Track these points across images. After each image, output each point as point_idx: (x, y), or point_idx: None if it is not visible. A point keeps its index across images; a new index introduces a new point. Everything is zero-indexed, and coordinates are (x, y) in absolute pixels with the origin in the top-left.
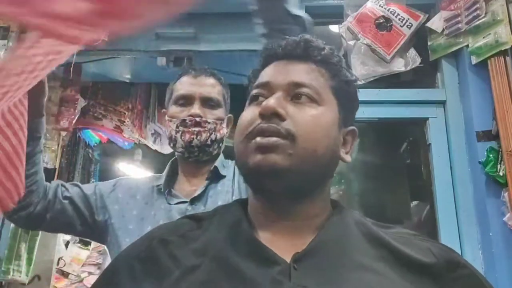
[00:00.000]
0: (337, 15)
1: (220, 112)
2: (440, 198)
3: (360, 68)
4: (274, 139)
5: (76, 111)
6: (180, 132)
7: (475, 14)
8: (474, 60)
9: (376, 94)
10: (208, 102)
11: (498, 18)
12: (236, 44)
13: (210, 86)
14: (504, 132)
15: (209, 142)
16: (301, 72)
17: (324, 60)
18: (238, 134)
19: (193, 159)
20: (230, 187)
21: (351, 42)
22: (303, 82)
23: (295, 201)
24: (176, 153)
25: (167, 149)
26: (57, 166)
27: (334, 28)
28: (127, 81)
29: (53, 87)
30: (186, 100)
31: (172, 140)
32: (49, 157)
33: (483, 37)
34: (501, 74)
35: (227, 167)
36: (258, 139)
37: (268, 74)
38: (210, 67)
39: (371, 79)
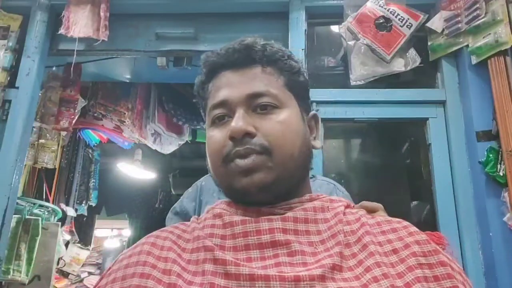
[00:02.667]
0: (337, 15)
1: None
2: (440, 198)
3: (360, 68)
4: (252, 158)
5: (76, 111)
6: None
7: (475, 14)
8: (474, 60)
9: (376, 94)
10: None
11: (498, 18)
12: None
13: None
14: (504, 132)
15: None
16: (254, 81)
17: (270, 60)
18: (214, 158)
19: None
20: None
21: (351, 42)
22: (261, 91)
23: (278, 201)
24: None
25: (167, 149)
26: (57, 166)
27: (334, 28)
28: (127, 81)
29: (53, 87)
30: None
31: None
32: (49, 157)
33: (483, 37)
34: (501, 74)
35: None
36: (238, 161)
37: (221, 91)
38: None
39: (371, 79)
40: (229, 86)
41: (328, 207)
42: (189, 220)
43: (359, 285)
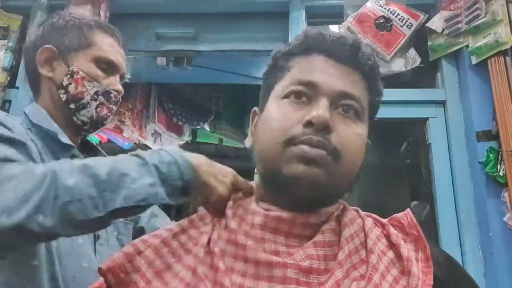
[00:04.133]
0: (337, 15)
1: (121, 88)
2: (440, 198)
3: None
4: (321, 152)
5: None
6: (98, 103)
7: (475, 14)
8: (474, 60)
9: None
10: (121, 79)
11: (498, 18)
12: (236, 44)
13: (125, 60)
14: (504, 132)
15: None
16: (351, 81)
17: (369, 71)
18: (273, 136)
19: (88, 133)
20: None
21: None
22: (354, 94)
23: (315, 207)
24: (69, 116)
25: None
26: None
27: (334, 28)
28: (127, 81)
29: None
30: (110, 68)
31: (79, 103)
32: None
33: (483, 37)
34: (501, 74)
35: None
36: (305, 147)
37: (314, 71)
38: (209, 67)
39: None
40: (324, 73)
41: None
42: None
43: None
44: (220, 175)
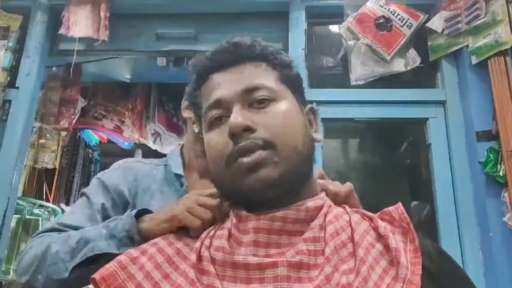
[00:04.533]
0: (337, 15)
1: None
2: (440, 198)
3: (360, 68)
4: (257, 153)
5: (76, 111)
6: None
7: (475, 14)
8: (474, 60)
9: (376, 94)
10: None
11: (498, 18)
12: None
13: None
14: (504, 132)
15: None
16: (247, 76)
17: (259, 56)
18: (216, 161)
19: None
20: None
21: (351, 42)
22: (255, 85)
23: (287, 199)
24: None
25: (167, 149)
26: (57, 166)
27: (334, 28)
28: (127, 81)
29: (53, 87)
30: None
31: None
32: (49, 157)
33: (483, 37)
34: (501, 74)
35: None
36: (242, 159)
37: (214, 91)
38: None
39: (371, 79)
40: (222, 86)
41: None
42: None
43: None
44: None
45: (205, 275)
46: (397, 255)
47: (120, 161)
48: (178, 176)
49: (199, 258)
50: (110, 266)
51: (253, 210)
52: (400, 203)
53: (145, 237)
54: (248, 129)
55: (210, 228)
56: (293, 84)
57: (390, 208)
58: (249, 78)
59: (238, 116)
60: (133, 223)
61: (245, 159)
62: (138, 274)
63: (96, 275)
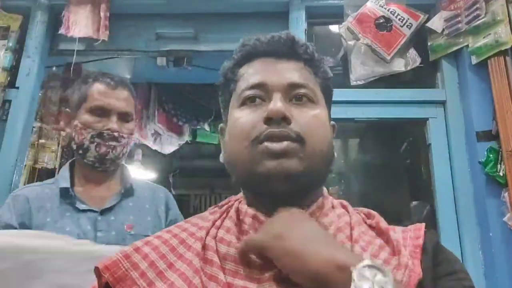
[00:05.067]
0: (337, 15)
1: (132, 125)
2: (440, 198)
3: (360, 68)
4: (286, 143)
5: None
6: (95, 144)
7: (475, 14)
8: (474, 60)
9: (376, 94)
10: (124, 117)
11: (498, 18)
12: (236, 44)
13: (125, 100)
14: (504, 132)
15: (121, 155)
16: (295, 72)
17: (310, 58)
18: (240, 139)
19: (102, 169)
20: (145, 207)
21: (351, 42)
22: (301, 82)
23: (299, 199)
24: (82, 160)
25: (167, 149)
26: (57, 166)
27: (334, 28)
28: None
29: (53, 87)
30: (102, 112)
31: (83, 148)
32: (49, 157)
33: (483, 37)
34: (501, 74)
35: (140, 187)
36: (268, 144)
37: (259, 73)
38: (209, 67)
39: (371, 79)
40: (269, 72)
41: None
42: None
43: None
44: None
45: (209, 264)
46: (398, 245)
47: (11, 193)
48: (66, 190)
49: (204, 246)
50: (114, 256)
51: (263, 203)
52: (424, 224)
53: None
54: (285, 119)
55: (216, 218)
56: (328, 97)
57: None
58: (296, 74)
59: (278, 103)
60: None
61: (273, 145)
62: (142, 263)
63: (100, 264)
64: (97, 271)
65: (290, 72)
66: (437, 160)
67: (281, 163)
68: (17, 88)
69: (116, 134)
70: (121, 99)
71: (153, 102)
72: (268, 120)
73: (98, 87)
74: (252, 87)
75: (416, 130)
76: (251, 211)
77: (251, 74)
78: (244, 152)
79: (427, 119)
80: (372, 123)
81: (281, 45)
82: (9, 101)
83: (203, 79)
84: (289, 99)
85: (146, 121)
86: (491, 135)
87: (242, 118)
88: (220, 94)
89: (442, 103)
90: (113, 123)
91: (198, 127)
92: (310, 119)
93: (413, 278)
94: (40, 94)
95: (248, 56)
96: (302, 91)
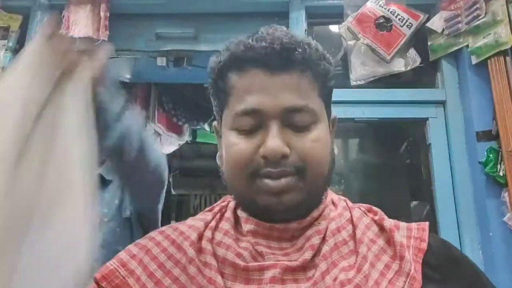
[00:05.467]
0: (337, 15)
1: None
2: (440, 198)
3: (360, 68)
4: (284, 180)
5: None
6: None
7: (475, 14)
8: (474, 60)
9: (376, 94)
10: None
11: (498, 18)
12: None
13: None
14: (504, 132)
15: None
16: (292, 90)
17: (309, 64)
18: (237, 171)
19: None
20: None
21: (351, 42)
22: (299, 106)
23: (301, 216)
24: None
25: (167, 149)
26: None
27: (334, 28)
28: (127, 81)
29: None
30: None
31: None
32: None
33: (483, 37)
34: (501, 74)
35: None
36: (268, 181)
37: (253, 95)
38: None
39: (371, 79)
40: (263, 92)
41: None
42: None
43: None
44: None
45: (207, 267)
46: (402, 250)
47: None
48: None
49: (199, 250)
50: (110, 264)
51: (263, 220)
52: (427, 223)
53: None
54: (283, 156)
55: (208, 219)
56: (329, 97)
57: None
58: (293, 93)
59: (277, 141)
60: None
61: (272, 183)
62: (137, 269)
63: (97, 274)
64: (95, 281)
65: (287, 91)
66: (437, 160)
67: (280, 199)
68: None
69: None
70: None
71: (153, 102)
72: (266, 158)
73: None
74: (246, 113)
75: (416, 130)
76: (251, 220)
77: (244, 92)
78: (243, 185)
79: (427, 119)
80: (372, 123)
81: (276, 56)
82: None
83: (203, 79)
84: (286, 124)
85: (146, 121)
86: (491, 135)
87: (237, 146)
88: (211, 94)
89: (442, 103)
90: None
91: (198, 127)
92: (310, 145)
93: (415, 287)
94: None
95: (240, 63)
96: (300, 116)
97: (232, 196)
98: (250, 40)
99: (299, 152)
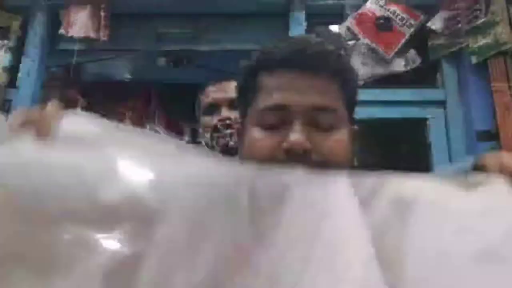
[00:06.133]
0: (337, 15)
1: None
2: None
3: (360, 68)
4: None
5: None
6: (215, 140)
7: (475, 14)
8: (474, 60)
9: (376, 94)
10: (234, 104)
11: (498, 18)
12: (236, 44)
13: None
14: (504, 132)
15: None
16: (320, 91)
17: (337, 68)
18: (257, 159)
19: None
20: None
21: (351, 42)
22: (326, 105)
23: None
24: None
25: None
26: None
27: (334, 28)
28: (127, 81)
29: (53, 87)
30: (213, 107)
31: (210, 149)
32: None
33: (483, 37)
34: (501, 74)
35: None
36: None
37: (281, 91)
38: (209, 67)
39: (371, 79)
40: (290, 90)
41: None
42: None
43: None
44: None
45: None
46: None
47: None
48: None
49: None
50: None
51: None
52: None
53: None
54: (305, 151)
55: None
56: (353, 106)
57: None
58: (321, 94)
59: (300, 136)
60: None
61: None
62: None
63: None
64: None
65: (313, 89)
66: (437, 160)
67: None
68: (17, 88)
69: (228, 121)
70: (225, 88)
71: (153, 102)
72: (288, 152)
73: (206, 89)
74: (272, 108)
75: (416, 130)
76: None
77: (272, 89)
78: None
79: (427, 119)
80: (372, 123)
81: (308, 58)
82: (9, 101)
83: (203, 79)
84: (310, 124)
85: (146, 121)
86: (491, 135)
87: (260, 142)
88: (239, 93)
89: (442, 103)
90: (223, 112)
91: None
92: (333, 145)
93: None
94: (40, 94)
95: (269, 64)
96: (326, 116)
97: None
98: (284, 43)
99: (320, 150)
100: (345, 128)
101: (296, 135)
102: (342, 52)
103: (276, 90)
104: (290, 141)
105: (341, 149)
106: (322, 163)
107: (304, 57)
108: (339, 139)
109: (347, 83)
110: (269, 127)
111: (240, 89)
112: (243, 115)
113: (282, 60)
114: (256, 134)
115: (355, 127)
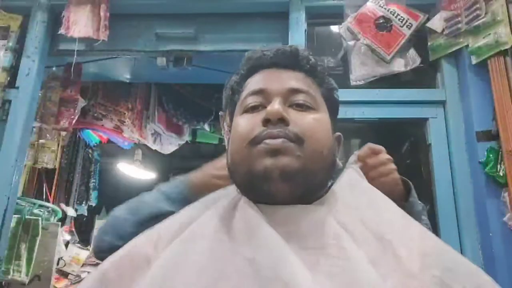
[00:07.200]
0: (337, 15)
1: None
2: (440, 198)
3: (360, 68)
4: (281, 140)
5: (76, 111)
6: None
7: (475, 14)
8: (474, 60)
9: (376, 94)
10: None
11: (498, 18)
12: (236, 44)
13: None
14: (504, 132)
15: None
16: (295, 79)
17: (312, 69)
18: (239, 141)
19: None
20: None
21: (351, 42)
22: (301, 88)
23: (295, 200)
24: None
25: (167, 149)
26: (57, 166)
27: (334, 28)
28: (127, 81)
29: (53, 87)
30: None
31: None
32: (49, 157)
33: (483, 37)
34: (501, 74)
35: None
36: (267, 141)
37: (260, 81)
38: (209, 67)
39: (371, 79)
40: (270, 79)
41: None
42: None
43: None
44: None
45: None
46: None
47: None
48: None
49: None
50: None
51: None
52: None
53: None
54: (283, 120)
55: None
56: (332, 106)
57: None
58: (297, 82)
59: (276, 105)
60: (184, 182)
61: (271, 141)
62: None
63: None
64: None
65: (291, 79)
66: (437, 160)
67: (277, 160)
68: (17, 88)
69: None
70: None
71: (153, 102)
72: (266, 122)
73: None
74: (253, 93)
75: (416, 130)
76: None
77: (254, 83)
78: (244, 152)
79: (427, 119)
80: (372, 123)
81: (285, 57)
82: (9, 101)
83: (203, 79)
84: (289, 105)
85: (146, 121)
86: (491, 135)
87: (243, 123)
88: (226, 105)
89: (442, 103)
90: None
91: (198, 127)
92: (310, 121)
93: None
94: (40, 94)
95: (253, 68)
96: (302, 97)
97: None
98: (266, 51)
99: (298, 124)
100: (324, 115)
101: (272, 106)
102: (316, 58)
103: (258, 82)
104: (268, 111)
105: (318, 128)
106: (299, 138)
107: (281, 58)
108: (316, 118)
109: (322, 82)
110: (250, 110)
111: (229, 97)
112: (231, 121)
113: (263, 63)
114: (240, 119)
115: (338, 134)
